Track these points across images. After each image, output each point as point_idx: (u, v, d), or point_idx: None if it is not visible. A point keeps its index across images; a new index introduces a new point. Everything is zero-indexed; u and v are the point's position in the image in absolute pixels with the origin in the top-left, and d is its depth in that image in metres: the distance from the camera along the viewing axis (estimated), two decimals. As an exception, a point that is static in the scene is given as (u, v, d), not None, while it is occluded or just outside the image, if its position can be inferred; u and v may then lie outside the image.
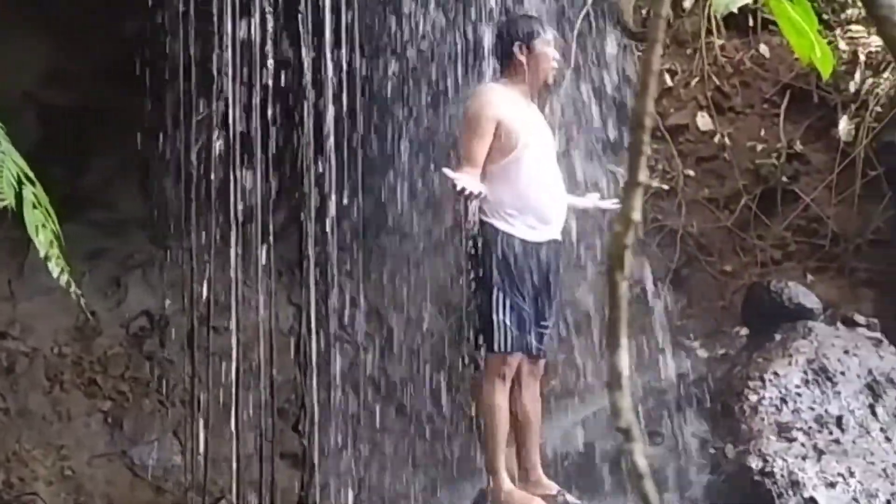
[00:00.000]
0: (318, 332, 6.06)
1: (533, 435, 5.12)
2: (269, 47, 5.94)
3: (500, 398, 4.98)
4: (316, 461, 6.01)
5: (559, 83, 5.26)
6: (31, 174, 4.30)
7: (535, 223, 4.96)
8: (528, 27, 5.09)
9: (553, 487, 5.05)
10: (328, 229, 6.09)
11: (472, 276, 5.09)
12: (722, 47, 7.44)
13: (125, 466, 6.91)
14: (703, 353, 6.52)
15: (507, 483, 4.96)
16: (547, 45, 5.06)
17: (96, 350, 7.09)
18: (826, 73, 2.52)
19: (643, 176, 1.46)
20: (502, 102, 5.00)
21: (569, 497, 5.02)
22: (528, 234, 4.96)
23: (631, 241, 1.43)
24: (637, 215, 1.43)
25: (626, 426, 1.33)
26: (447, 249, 6.55)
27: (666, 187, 7.16)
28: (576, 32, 6.59)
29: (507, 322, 4.92)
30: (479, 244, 5.00)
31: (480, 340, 5.02)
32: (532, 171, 4.95)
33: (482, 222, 4.98)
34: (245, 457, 6.00)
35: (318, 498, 6.04)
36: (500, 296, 4.94)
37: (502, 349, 4.93)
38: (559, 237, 5.09)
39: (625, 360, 1.38)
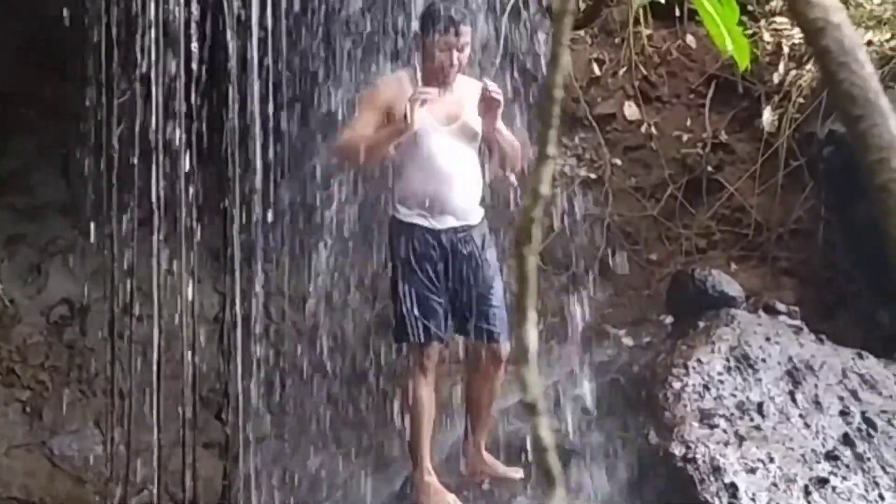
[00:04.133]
0: (242, 320, 5.99)
1: (481, 420, 5.18)
2: (193, 29, 5.83)
3: (421, 389, 4.98)
4: (240, 450, 5.95)
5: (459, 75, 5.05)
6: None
7: (433, 211, 4.95)
8: (425, 21, 5.03)
9: (501, 467, 5.13)
10: (253, 215, 6.02)
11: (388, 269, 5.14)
12: (649, 37, 7.49)
13: (44, 457, 6.76)
14: (628, 341, 6.57)
15: (427, 474, 4.98)
16: (434, 44, 4.91)
17: (15, 338, 6.93)
18: (743, 65, 2.54)
19: (552, 149, 1.44)
20: (399, 90, 4.98)
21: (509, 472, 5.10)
22: (426, 222, 4.96)
23: (539, 214, 1.40)
24: (546, 188, 1.41)
25: (531, 401, 1.31)
26: (373, 236, 6.51)
27: (593, 176, 7.20)
28: (505, 19, 6.58)
29: (416, 313, 4.93)
30: (388, 237, 5.09)
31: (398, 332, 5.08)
32: (428, 161, 4.94)
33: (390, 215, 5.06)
34: (168, 446, 5.91)
35: (242, 487, 5.98)
36: (405, 287, 4.95)
37: (416, 340, 4.94)
38: (470, 222, 5.04)
39: (532, 335, 1.36)
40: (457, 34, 4.89)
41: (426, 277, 4.95)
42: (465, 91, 5.06)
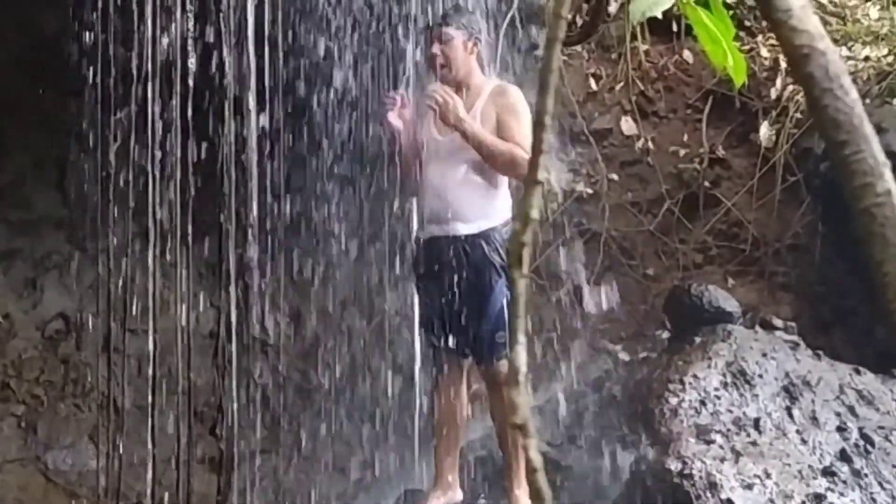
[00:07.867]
0: (237, 335, 5.98)
1: (504, 443, 4.87)
2: (190, 46, 5.84)
3: (439, 402, 4.94)
4: (234, 465, 5.93)
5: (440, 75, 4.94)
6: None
7: (425, 221, 4.90)
8: None
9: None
10: (249, 230, 6.02)
11: None
12: (646, 52, 7.50)
13: (39, 472, 6.75)
14: (624, 356, 6.56)
15: (439, 484, 4.93)
16: (427, 44, 4.93)
17: (10, 353, 6.91)
18: (739, 82, 2.53)
19: (542, 174, 1.44)
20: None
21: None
22: (420, 233, 4.95)
23: (529, 238, 1.40)
24: (536, 213, 1.41)
25: (521, 422, 1.31)
26: (370, 251, 6.51)
27: (590, 191, 7.20)
28: (501, 34, 6.58)
29: (422, 325, 4.95)
30: None
31: None
32: (423, 170, 4.89)
33: None
34: (162, 461, 5.89)
35: (236, 502, 5.96)
36: (418, 297, 4.98)
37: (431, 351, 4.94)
38: (459, 233, 4.76)
39: (523, 357, 1.36)
40: (436, 28, 4.86)
41: (420, 289, 4.97)
42: (482, 97, 4.86)
